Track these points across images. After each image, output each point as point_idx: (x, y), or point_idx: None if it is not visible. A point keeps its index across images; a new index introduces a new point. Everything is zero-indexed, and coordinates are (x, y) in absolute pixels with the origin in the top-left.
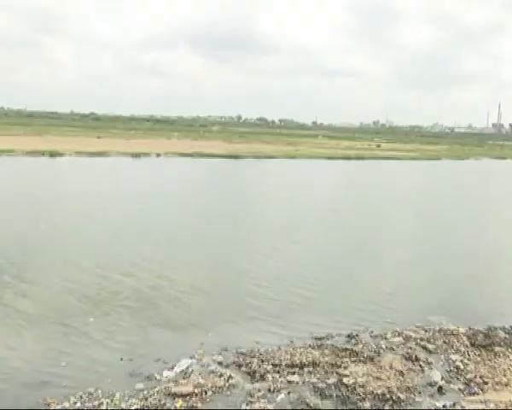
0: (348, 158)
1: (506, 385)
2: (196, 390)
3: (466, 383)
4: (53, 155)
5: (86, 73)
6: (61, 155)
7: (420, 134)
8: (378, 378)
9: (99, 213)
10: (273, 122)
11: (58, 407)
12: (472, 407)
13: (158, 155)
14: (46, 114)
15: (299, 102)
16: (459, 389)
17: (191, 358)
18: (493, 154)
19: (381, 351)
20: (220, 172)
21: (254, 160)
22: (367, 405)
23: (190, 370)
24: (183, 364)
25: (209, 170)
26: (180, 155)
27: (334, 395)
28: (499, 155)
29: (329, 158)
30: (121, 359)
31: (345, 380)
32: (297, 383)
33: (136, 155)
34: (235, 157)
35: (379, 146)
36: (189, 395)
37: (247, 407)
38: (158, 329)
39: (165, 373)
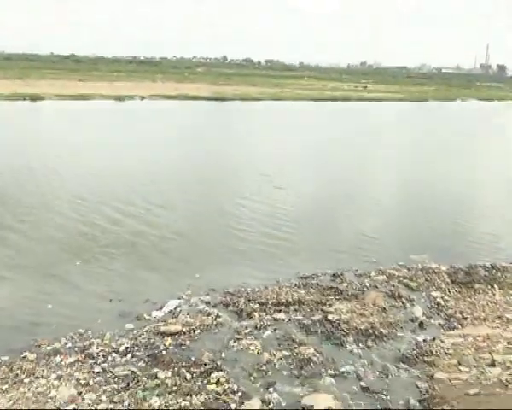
0: (334, 99)
1: (484, 320)
2: (185, 329)
3: (446, 319)
4: (34, 99)
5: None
6: (41, 98)
7: (407, 75)
8: (362, 315)
9: (81, 159)
10: (259, 63)
11: (49, 348)
12: (451, 340)
13: (142, 97)
14: (25, 57)
15: (286, 43)
16: (439, 324)
17: (179, 298)
18: (480, 95)
19: (365, 289)
20: (205, 115)
21: (240, 102)
22: (350, 340)
23: (178, 310)
24: (172, 304)
25: (194, 113)
26: (165, 97)
27: (319, 331)
28: (486, 96)
29: (315, 100)
30: (110, 300)
31: (329, 317)
32: (283, 320)
33: (120, 98)
34: (221, 99)
35: (366, 87)
36: (177, 333)
37: (235, 344)
38: (145, 272)
39: (154, 313)
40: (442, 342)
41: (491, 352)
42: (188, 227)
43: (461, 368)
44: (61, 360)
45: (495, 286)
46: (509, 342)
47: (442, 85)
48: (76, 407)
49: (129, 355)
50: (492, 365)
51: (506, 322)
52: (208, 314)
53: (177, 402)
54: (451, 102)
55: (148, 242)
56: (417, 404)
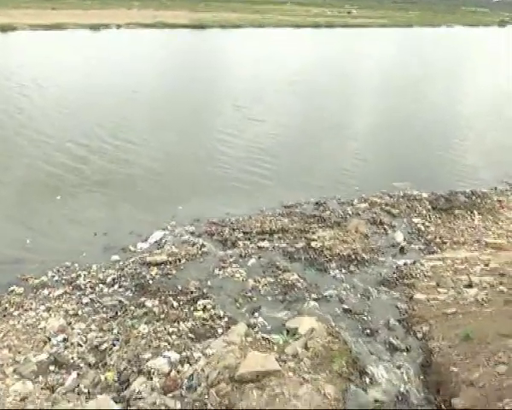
0: (317, 26)
1: (463, 244)
2: (170, 259)
3: (426, 244)
4: (5, 29)
5: None
6: (13, 29)
7: (392, 0)
8: (344, 241)
9: (59, 90)
10: None
11: (36, 281)
12: (431, 263)
13: (118, 26)
14: None
15: None
16: (419, 249)
17: (164, 230)
18: (465, 21)
19: (348, 216)
20: (185, 45)
21: (220, 29)
22: (333, 265)
23: (164, 241)
24: (157, 235)
25: (172, 42)
26: (142, 26)
27: (303, 257)
28: (471, 22)
29: (298, 26)
30: (95, 234)
31: (313, 244)
32: (267, 248)
33: (95, 28)
34: (200, 27)
35: (350, 13)
36: (163, 263)
37: (220, 272)
38: (128, 206)
39: (140, 245)
40: (422, 265)
41: (469, 274)
42: (168, 162)
43: (439, 289)
44: (49, 293)
45: (474, 212)
46: (486, 265)
47: (427, 11)
48: (66, 337)
49: (116, 286)
50: (469, 286)
51: (484, 246)
52: (193, 244)
53: (165, 329)
54: (436, 27)
55: (128, 176)
56: (397, 324)
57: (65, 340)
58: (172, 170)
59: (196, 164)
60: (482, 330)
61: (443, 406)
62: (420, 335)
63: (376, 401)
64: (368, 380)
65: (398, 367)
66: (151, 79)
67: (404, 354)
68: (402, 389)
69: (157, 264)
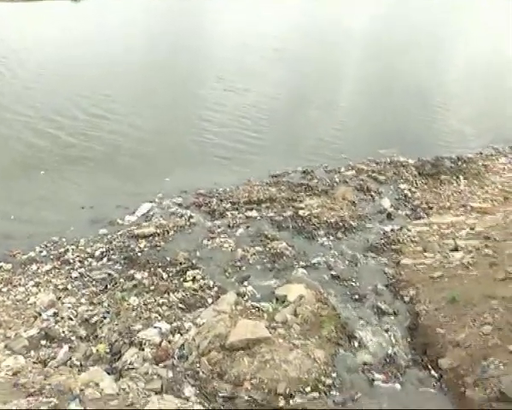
0: None
1: (449, 209)
2: (158, 231)
3: (413, 209)
4: None
5: None
6: None
7: None
8: (332, 209)
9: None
10: None
11: (24, 257)
12: (417, 229)
13: None
14: None
15: None
16: (406, 215)
17: (151, 202)
18: None
19: (335, 184)
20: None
21: None
22: (321, 233)
23: (151, 213)
24: (144, 208)
25: (153, 8)
26: None
27: (291, 226)
28: None
29: None
30: (82, 207)
31: (300, 212)
32: (255, 217)
33: None
34: None
35: None
36: (151, 235)
37: (209, 243)
38: (115, 178)
39: (127, 218)
40: (408, 230)
41: (455, 238)
42: (153, 134)
43: (426, 254)
44: (38, 268)
45: (460, 177)
46: (471, 228)
47: None
48: (56, 311)
49: (105, 259)
50: (455, 250)
51: (469, 210)
52: (181, 216)
53: (155, 300)
54: None
55: (112, 150)
56: (384, 288)
57: (55, 314)
58: (158, 142)
59: (182, 136)
60: (468, 292)
61: (430, 366)
62: (407, 299)
63: (365, 363)
64: (356, 344)
65: (386, 331)
66: (132, 50)
67: (392, 317)
68: (390, 352)
69: (145, 236)
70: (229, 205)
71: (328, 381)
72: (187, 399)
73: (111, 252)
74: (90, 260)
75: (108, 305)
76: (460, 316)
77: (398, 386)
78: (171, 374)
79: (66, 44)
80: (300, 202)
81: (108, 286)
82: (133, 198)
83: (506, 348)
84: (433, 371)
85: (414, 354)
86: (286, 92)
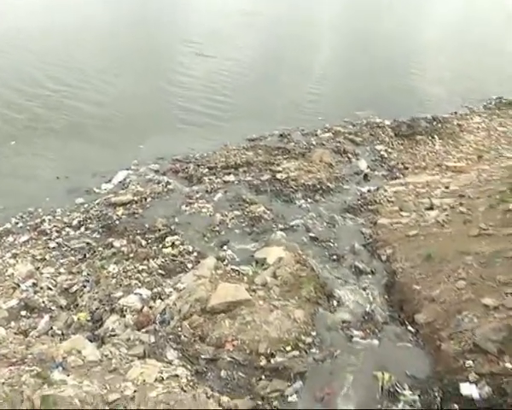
0: None
1: (424, 169)
2: (136, 198)
3: (389, 170)
4: None
5: None
6: None
7: None
8: (309, 172)
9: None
10: None
11: (0, 229)
12: (393, 189)
13: None
14: None
15: None
16: (383, 175)
17: (127, 169)
18: None
19: (312, 147)
20: None
21: None
22: (299, 196)
23: (128, 180)
24: (120, 176)
25: None
26: None
27: (269, 189)
28: None
29: None
30: (57, 178)
31: (278, 176)
32: (233, 182)
33: None
34: None
35: None
36: (129, 202)
37: (187, 208)
38: (89, 147)
39: (104, 186)
40: (385, 191)
41: (430, 197)
42: (125, 102)
43: (402, 213)
44: (14, 240)
45: (435, 137)
46: (446, 187)
47: None
48: (35, 282)
49: (82, 228)
50: (431, 208)
51: (445, 169)
52: (158, 182)
53: (135, 267)
54: None
55: (85, 119)
56: (362, 248)
57: (34, 285)
58: (130, 110)
59: (155, 103)
60: (443, 249)
61: (406, 322)
62: (384, 257)
63: (344, 321)
64: (335, 303)
65: (364, 289)
66: (98, 17)
67: (369, 276)
68: (368, 309)
69: (123, 204)
70: (207, 170)
71: (308, 339)
72: (170, 362)
73: (88, 221)
74: (67, 229)
75: (88, 273)
76: (435, 273)
77: (375, 342)
78: (153, 339)
79: (28, 13)
80: (278, 165)
81: (87, 255)
82: (109, 166)
83: (479, 302)
84: (409, 327)
85: (391, 310)
86: (258, 57)
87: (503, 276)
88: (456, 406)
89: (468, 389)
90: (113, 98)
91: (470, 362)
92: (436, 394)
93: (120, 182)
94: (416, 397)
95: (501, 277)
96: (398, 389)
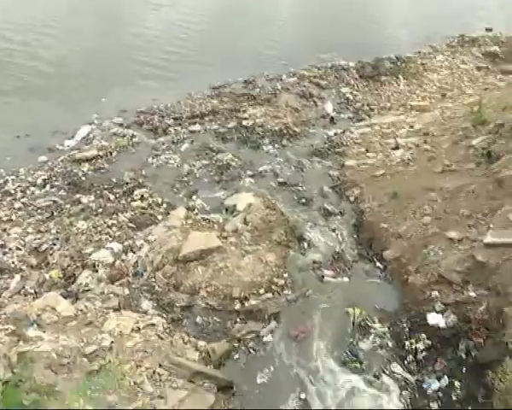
0: None
1: (389, 109)
2: (101, 153)
3: (355, 112)
4: None
5: None
6: None
7: None
8: (275, 117)
9: None
10: None
11: None
12: (360, 131)
13: None
14: None
15: None
16: (348, 118)
17: (90, 124)
18: None
19: (277, 92)
20: None
21: None
22: (266, 141)
23: (91, 136)
24: (83, 131)
25: None
26: None
27: (235, 137)
28: None
29: None
30: (17, 136)
31: (244, 123)
32: (199, 131)
33: None
34: None
35: None
36: (94, 158)
37: (154, 160)
38: (49, 104)
39: (67, 142)
40: (351, 133)
41: (396, 137)
42: (82, 56)
43: (368, 154)
44: None
45: (400, 77)
46: (411, 126)
47: None
48: (3, 243)
49: (48, 186)
50: (396, 148)
51: (409, 109)
52: (123, 136)
53: (105, 222)
54: None
55: (43, 76)
56: (330, 190)
57: (2, 246)
58: (89, 64)
59: (114, 56)
60: (408, 187)
61: (375, 259)
62: (352, 198)
63: (314, 262)
64: (306, 245)
65: (333, 230)
66: None
67: (338, 217)
68: (337, 249)
69: (87, 160)
70: (172, 121)
71: (281, 281)
72: (145, 312)
73: (53, 179)
74: (32, 188)
75: (57, 231)
76: (402, 210)
77: (346, 279)
78: (127, 291)
79: None
80: (244, 112)
81: (54, 213)
82: (70, 122)
83: (444, 236)
84: (378, 263)
85: (360, 249)
86: (217, 5)
87: (466, 209)
88: (423, 335)
89: (434, 319)
90: (70, 53)
91: (436, 293)
92: (404, 325)
93: (84, 138)
94: (386, 329)
95: (464, 210)
96: (369, 323)
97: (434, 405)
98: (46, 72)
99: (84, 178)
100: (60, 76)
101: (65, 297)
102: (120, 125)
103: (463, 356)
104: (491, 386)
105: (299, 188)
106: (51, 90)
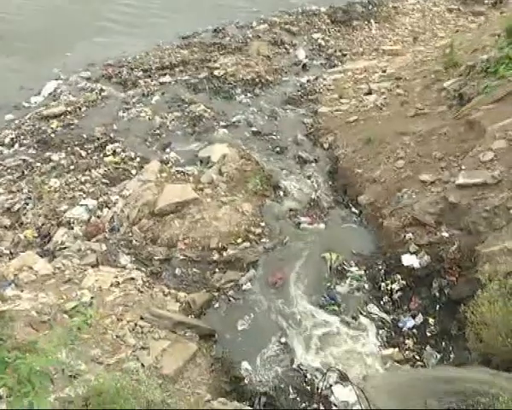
0: None
1: (362, 54)
2: (69, 109)
3: (327, 58)
4: None
5: None
6: None
7: None
8: (247, 66)
9: None
10: None
11: None
12: (332, 77)
13: None
14: None
15: None
16: (321, 64)
17: (57, 80)
18: None
19: (248, 40)
20: None
21: None
22: (238, 91)
23: (59, 91)
24: (50, 87)
25: None
26: None
27: (207, 87)
28: None
29: None
30: None
31: (216, 72)
32: (169, 83)
33: None
34: None
35: None
36: (62, 114)
37: (124, 114)
38: (11, 61)
39: (33, 99)
40: (324, 80)
41: (368, 82)
42: (43, 12)
43: (341, 100)
44: None
45: (371, 21)
46: (383, 71)
47: None
48: None
49: (16, 145)
50: (369, 93)
51: (381, 53)
52: (91, 90)
53: (77, 179)
54: None
55: (3, 33)
56: (304, 138)
57: None
58: (50, 21)
59: (76, 11)
60: (382, 132)
61: (350, 204)
62: (326, 145)
63: (291, 210)
64: (281, 193)
65: (309, 177)
66: None
67: (313, 164)
68: (313, 196)
69: (56, 116)
70: (141, 73)
71: (258, 230)
72: (124, 267)
73: (22, 137)
74: (0, 148)
75: (29, 191)
76: (375, 155)
77: (322, 226)
78: (104, 247)
79: None
80: (215, 61)
81: (25, 172)
82: (35, 79)
83: (417, 179)
84: (353, 209)
85: (335, 195)
86: None
87: (439, 152)
88: (398, 276)
89: (409, 260)
90: (28, 11)
91: (410, 235)
92: (380, 267)
93: (51, 94)
94: (362, 272)
95: (436, 153)
96: (346, 267)
97: (410, 342)
98: (7, 29)
99: (53, 136)
100: (21, 33)
101: (41, 256)
102: (88, 79)
103: (437, 294)
104: (463, 320)
105: (274, 137)
106: (14, 48)
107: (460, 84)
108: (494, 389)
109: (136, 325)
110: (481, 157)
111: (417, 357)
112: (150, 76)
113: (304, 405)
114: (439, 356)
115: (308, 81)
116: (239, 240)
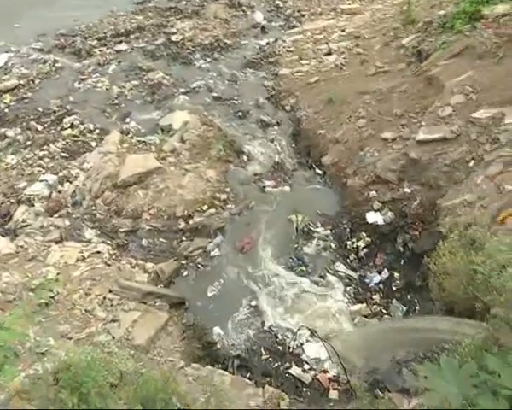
0: None
1: (320, 14)
2: (22, 82)
3: (286, 19)
4: None
5: None
6: None
7: None
8: (205, 30)
9: None
10: None
11: None
12: (292, 38)
13: None
14: None
15: None
16: (280, 26)
17: (7, 52)
18: None
19: (205, 3)
20: None
21: None
22: (197, 56)
23: (10, 64)
24: (0, 60)
25: None
26: None
27: (165, 54)
28: None
29: None
30: None
31: (173, 38)
32: (126, 50)
33: None
34: None
35: None
36: (15, 87)
37: (80, 85)
38: None
39: None
40: (283, 42)
41: (328, 42)
42: None
43: (302, 62)
44: None
45: None
46: (342, 30)
47: None
48: None
49: None
50: (329, 53)
51: (340, 12)
52: (44, 62)
53: (35, 155)
54: None
55: None
56: (266, 102)
57: None
58: None
59: None
60: (343, 92)
61: (314, 166)
62: (288, 108)
63: (255, 174)
64: (245, 158)
65: (272, 141)
66: None
67: (276, 127)
68: (277, 159)
69: (8, 90)
70: (96, 42)
71: (223, 196)
72: (89, 241)
73: None
74: None
75: None
76: (337, 115)
77: (287, 188)
78: (68, 222)
79: None
80: (171, 27)
81: None
82: None
83: (379, 137)
84: (317, 170)
85: (299, 157)
86: None
87: (399, 109)
88: (363, 233)
89: (373, 217)
90: None
91: (374, 193)
92: (346, 226)
93: (1, 67)
94: (328, 232)
95: (397, 110)
96: (312, 228)
97: (377, 296)
98: None
99: (7, 111)
100: None
101: (3, 236)
102: (40, 50)
103: (401, 249)
104: (426, 272)
105: (235, 101)
106: None
107: (418, 40)
108: (458, 336)
109: (104, 298)
110: (440, 113)
111: (384, 311)
112: (105, 44)
113: (276, 364)
114: (405, 309)
115: (267, 43)
116: (205, 207)
